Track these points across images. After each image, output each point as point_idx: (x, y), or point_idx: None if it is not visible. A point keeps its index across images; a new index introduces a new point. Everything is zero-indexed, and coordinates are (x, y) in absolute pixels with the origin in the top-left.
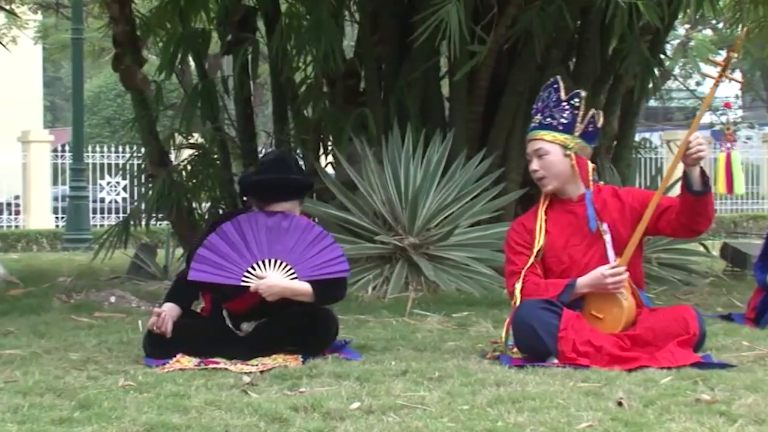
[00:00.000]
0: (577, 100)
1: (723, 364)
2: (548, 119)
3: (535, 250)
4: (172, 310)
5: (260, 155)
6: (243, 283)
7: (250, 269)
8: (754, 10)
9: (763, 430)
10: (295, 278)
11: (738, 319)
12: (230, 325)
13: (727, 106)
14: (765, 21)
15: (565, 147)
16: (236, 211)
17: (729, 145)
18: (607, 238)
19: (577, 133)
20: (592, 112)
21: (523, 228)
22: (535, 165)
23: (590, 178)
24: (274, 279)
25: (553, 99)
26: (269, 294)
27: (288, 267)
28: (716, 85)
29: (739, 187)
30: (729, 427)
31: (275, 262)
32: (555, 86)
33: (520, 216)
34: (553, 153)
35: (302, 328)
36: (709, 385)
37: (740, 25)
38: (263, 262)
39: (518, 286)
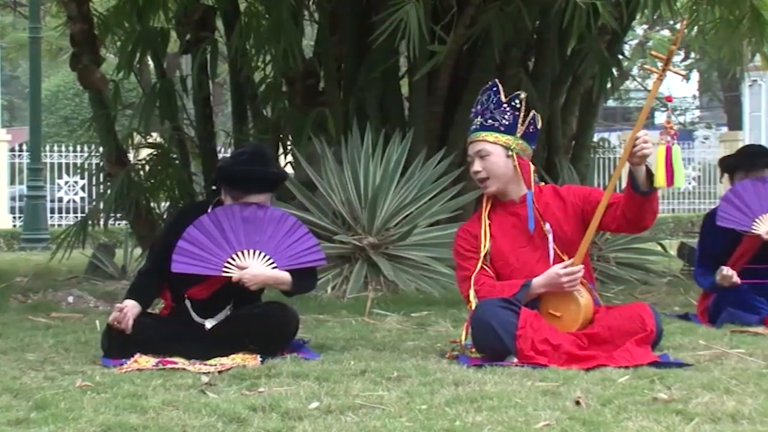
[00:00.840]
0: (517, 101)
1: (680, 363)
2: (489, 120)
3: (481, 255)
4: (133, 308)
5: (219, 154)
6: (224, 274)
7: (230, 259)
8: (710, 11)
9: (718, 429)
10: (275, 267)
11: (695, 319)
12: (194, 316)
13: (669, 99)
14: (721, 22)
15: (507, 148)
16: (202, 202)
17: (669, 138)
18: (550, 237)
19: (518, 134)
20: (532, 113)
21: (469, 234)
22: (477, 166)
23: (532, 179)
24: (258, 268)
25: (494, 101)
26: (253, 283)
27: (267, 257)
28: (659, 79)
29: (680, 180)
30: (685, 426)
31: (254, 252)
32: (494, 89)
33: (464, 223)
34: (495, 154)
35: (263, 325)
36: (666, 384)
37: (695, 25)
38: (242, 252)
39: (472, 291)
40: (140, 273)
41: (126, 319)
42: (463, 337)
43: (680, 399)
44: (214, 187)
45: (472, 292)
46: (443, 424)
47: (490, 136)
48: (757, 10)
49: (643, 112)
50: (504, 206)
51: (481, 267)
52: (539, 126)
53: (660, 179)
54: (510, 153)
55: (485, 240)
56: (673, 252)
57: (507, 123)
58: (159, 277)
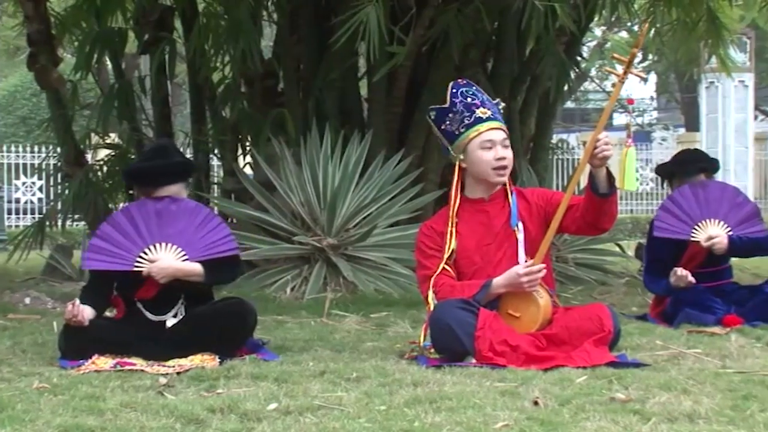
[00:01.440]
0: (501, 108)
1: (637, 363)
2: (497, 114)
3: (446, 253)
4: (86, 307)
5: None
6: (135, 268)
7: (142, 254)
8: (667, 13)
9: (675, 428)
10: (186, 259)
11: (651, 320)
12: (150, 316)
13: (631, 102)
14: (678, 24)
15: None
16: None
17: (628, 140)
18: (521, 237)
19: None
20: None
21: (434, 231)
22: (504, 153)
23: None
24: (165, 261)
25: (486, 98)
26: (161, 276)
27: (179, 249)
28: (621, 82)
29: (631, 183)
30: (643, 426)
31: (166, 245)
32: (475, 88)
33: (428, 219)
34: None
35: (221, 320)
36: (623, 384)
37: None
38: (154, 245)
39: (431, 292)
40: (85, 287)
41: (80, 311)
42: (422, 338)
43: (637, 399)
44: (131, 191)
45: (431, 294)
46: (402, 424)
47: (505, 127)
48: (713, 12)
49: (604, 114)
50: (472, 204)
51: (443, 268)
52: None
53: (620, 182)
54: None
55: (451, 238)
56: (630, 253)
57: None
58: (106, 283)
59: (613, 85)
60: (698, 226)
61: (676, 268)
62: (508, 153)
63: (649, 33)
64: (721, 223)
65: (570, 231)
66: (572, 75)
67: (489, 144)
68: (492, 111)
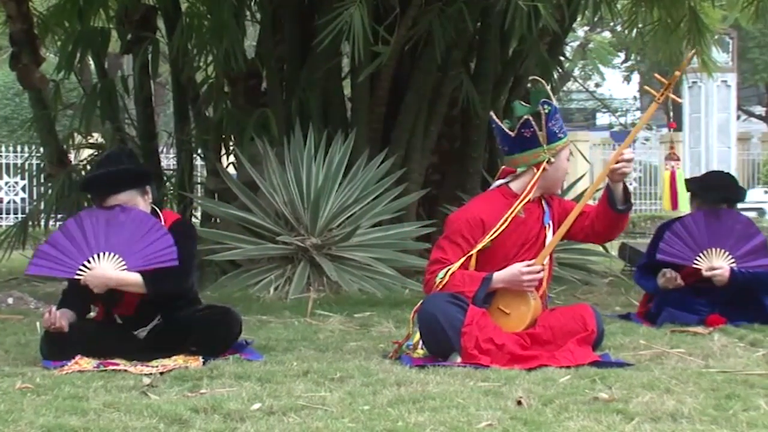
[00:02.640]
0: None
1: (621, 363)
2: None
3: (486, 241)
4: (64, 312)
5: (161, 155)
6: (77, 276)
7: (86, 262)
8: (649, 13)
9: (658, 428)
10: (125, 269)
11: (636, 319)
12: (130, 332)
13: (672, 126)
14: (660, 24)
15: None
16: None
17: (673, 163)
18: (550, 233)
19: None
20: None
21: (480, 222)
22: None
23: None
24: (100, 270)
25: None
26: (94, 285)
27: (119, 258)
28: (657, 102)
29: (684, 204)
30: (626, 425)
31: (109, 254)
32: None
33: (471, 206)
34: None
35: (205, 329)
36: (606, 384)
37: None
38: (98, 255)
39: (441, 275)
40: (65, 290)
41: (57, 319)
42: (410, 328)
43: (621, 398)
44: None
45: (436, 283)
46: (386, 424)
47: None
48: (695, 13)
49: (633, 132)
50: (527, 204)
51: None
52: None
53: (666, 203)
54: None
55: (496, 231)
56: (614, 252)
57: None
58: (84, 289)
59: (597, 85)
60: (703, 254)
61: (665, 269)
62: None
63: (631, 32)
64: (726, 253)
65: (578, 238)
66: (555, 75)
67: (570, 157)
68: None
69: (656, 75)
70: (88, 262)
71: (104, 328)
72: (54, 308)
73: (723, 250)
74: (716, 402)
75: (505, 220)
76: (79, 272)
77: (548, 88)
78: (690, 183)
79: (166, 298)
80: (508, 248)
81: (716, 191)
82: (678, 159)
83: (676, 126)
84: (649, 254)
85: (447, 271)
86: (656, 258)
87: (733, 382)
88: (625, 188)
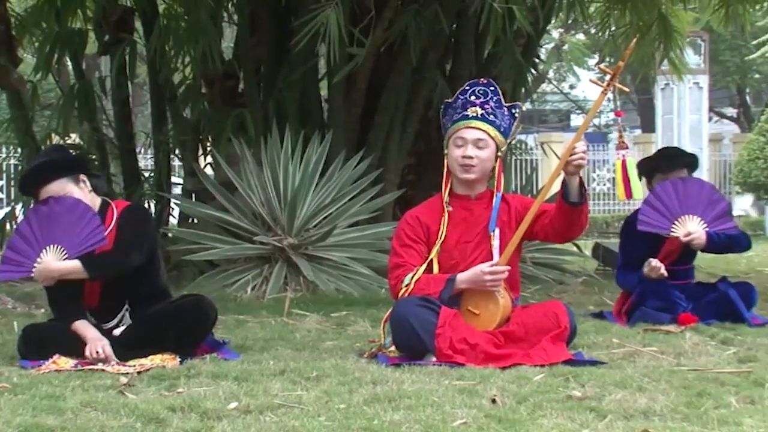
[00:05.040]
0: (517, 111)
1: (594, 361)
2: (491, 116)
3: (436, 248)
4: (97, 338)
5: (138, 155)
6: (32, 274)
7: (38, 258)
8: (621, 16)
9: (631, 425)
10: (66, 258)
11: (609, 317)
12: (95, 322)
13: (619, 114)
14: (632, 27)
15: (498, 149)
16: None
17: (623, 152)
18: (496, 243)
19: (509, 140)
20: (519, 126)
21: (418, 222)
22: (471, 152)
23: (502, 182)
24: (44, 264)
25: (494, 99)
26: (42, 279)
27: (61, 248)
28: (604, 93)
29: (637, 191)
30: (599, 423)
31: (53, 246)
32: (492, 88)
33: (413, 208)
34: (490, 149)
35: (180, 318)
36: (580, 382)
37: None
38: (45, 248)
39: (406, 281)
40: (54, 298)
41: (107, 353)
42: (382, 334)
43: (594, 396)
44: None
45: (403, 290)
46: (361, 423)
47: (491, 131)
48: (665, 17)
49: (583, 124)
50: (459, 200)
51: (417, 260)
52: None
53: (620, 193)
54: (498, 154)
55: (443, 230)
56: (587, 252)
57: (505, 126)
58: (68, 287)
59: (571, 86)
60: (678, 221)
61: (650, 259)
62: (481, 153)
63: (604, 35)
64: (699, 219)
65: (539, 237)
66: (530, 76)
67: (461, 141)
68: (488, 112)
69: (600, 66)
70: (40, 257)
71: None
72: (101, 345)
73: (695, 216)
74: (688, 400)
75: (444, 219)
76: (34, 270)
77: None
78: (648, 161)
79: (110, 276)
80: (451, 246)
81: (677, 158)
82: (627, 147)
83: (623, 115)
84: (623, 253)
85: (412, 276)
86: (637, 228)
87: (705, 380)
88: (581, 182)
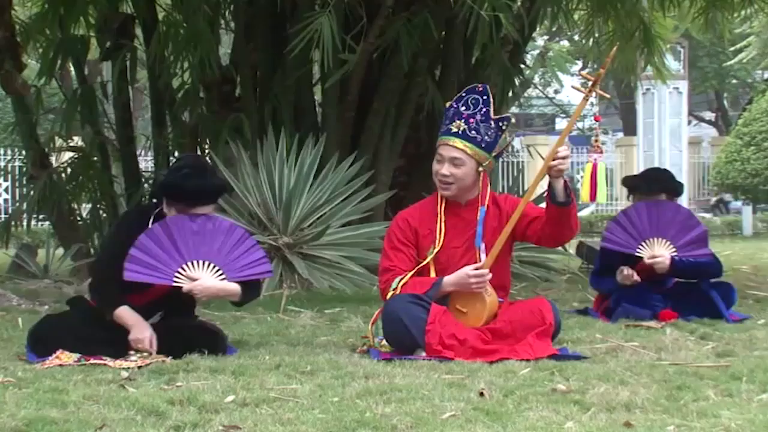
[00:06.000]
0: (505, 124)
1: (578, 356)
2: (473, 132)
3: (431, 255)
4: (141, 324)
5: (139, 158)
6: (175, 284)
7: (180, 270)
8: (605, 24)
9: (613, 417)
10: (224, 279)
11: (593, 314)
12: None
13: (597, 119)
14: (614, 34)
15: (480, 164)
16: (143, 207)
17: (596, 155)
18: (483, 257)
19: (494, 154)
20: (509, 139)
21: (408, 225)
22: (446, 170)
23: (488, 196)
24: (209, 281)
25: (482, 112)
26: (204, 294)
27: (216, 268)
28: (585, 99)
29: (602, 195)
30: (582, 415)
31: (204, 263)
32: (485, 97)
33: (404, 210)
34: (468, 166)
35: (192, 344)
36: (564, 376)
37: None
38: (192, 263)
39: (394, 285)
40: (103, 282)
41: (152, 343)
42: (371, 331)
43: (578, 390)
44: (154, 200)
45: (390, 293)
46: (354, 415)
47: (470, 148)
48: (645, 24)
49: (565, 130)
50: (450, 205)
51: (406, 263)
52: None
53: (584, 194)
54: (480, 169)
55: (440, 237)
56: (572, 251)
57: (489, 141)
58: (119, 282)
59: (556, 91)
60: (645, 243)
61: (622, 267)
62: (456, 171)
63: (588, 42)
64: (668, 243)
65: (532, 241)
66: (516, 82)
67: (439, 157)
68: (471, 127)
69: (581, 72)
70: (183, 269)
71: (89, 329)
72: (150, 337)
73: (664, 240)
74: (668, 393)
75: (439, 225)
76: (176, 280)
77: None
78: (631, 179)
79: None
80: (440, 251)
81: (657, 183)
82: (601, 152)
83: (601, 119)
84: (600, 259)
85: (400, 280)
86: (600, 245)
87: (684, 374)
88: (566, 184)
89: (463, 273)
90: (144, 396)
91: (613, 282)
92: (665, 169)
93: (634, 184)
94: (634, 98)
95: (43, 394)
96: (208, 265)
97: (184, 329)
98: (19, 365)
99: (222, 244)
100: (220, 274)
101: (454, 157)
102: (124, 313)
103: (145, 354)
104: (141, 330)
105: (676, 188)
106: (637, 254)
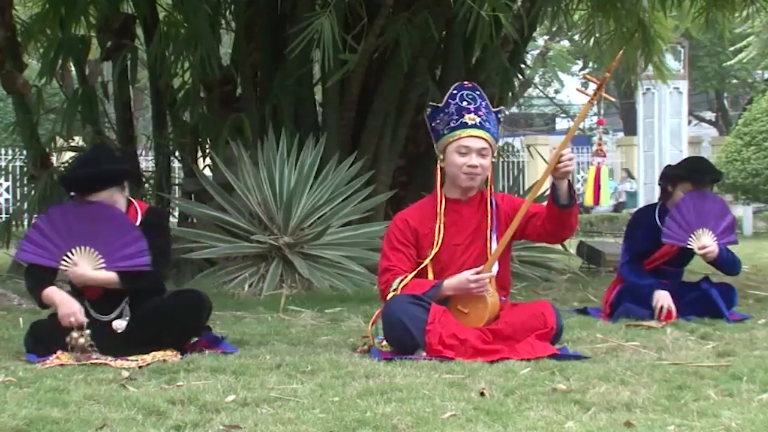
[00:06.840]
0: (501, 115)
1: (578, 356)
2: (487, 123)
3: (432, 253)
4: (70, 301)
5: (140, 157)
6: (61, 266)
7: (69, 253)
8: (605, 24)
9: (614, 417)
10: (104, 268)
11: (593, 313)
12: (94, 314)
13: (601, 122)
14: (615, 34)
15: (493, 154)
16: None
17: (600, 159)
18: (494, 245)
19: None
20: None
21: (407, 225)
22: (476, 161)
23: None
24: (81, 269)
25: (484, 105)
26: (77, 281)
27: (99, 256)
28: (591, 103)
29: (605, 199)
30: (583, 415)
31: (89, 249)
32: (478, 92)
33: (404, 210)
34: (490, 156)
35: (176, 314)
36: (565, 375)
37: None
38: (80, 248)
39: (394, 285)
40: (30, 275)
41: (80, 316)
42: (370, 330)
43: (578, 389)
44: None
45: (394, 286)
46: (354, 415)
47: (490, 138)
48: (644, 24)
49: (570, 131)
50: (450, 203)
51: (406, 263)
52: None
53: (588, 198)
54: (493, 159)
55: (439, 237)
56: (572, 251)
57: (494, 131)
58: (50, 274)
59: (556, 91)
60: (694, 234)
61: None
62: (484, 162)
63: (588, 42)
64: (710, 232)
65: (531, 238)
66: (516, 81)
67: (465, 150)
68: (483, 119)
69: (587, 75)
70: (71, 253)
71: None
72: (77, 310)
73: (708, 230)
74: (668, 392)
75: (438, 224)
76: (63, 263)
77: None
78: (678, 168)
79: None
80: (441, 249)
81: (708, 174)
82: (604, 156)
83: (605, 122)
84: (628, 248)
85: (400, 281)
86: (662, 240)
87: (685, 374)
88: (570, 185)
89: (464, 278)
90: (145, 395)
91: (651, 285)
92: (704, 158)
93: (685, 175)
94: (635, 98)
95: (44, 394)
96: (92, 251)
97: (163, 307)
98: (21, 365)
99: (109, 233)
100: (101, 262)
101: (482, 148)
102: (51, 293)
103: (147, 356)
104: (69, 306)
105: (721, 177)
106: (688, 246)
